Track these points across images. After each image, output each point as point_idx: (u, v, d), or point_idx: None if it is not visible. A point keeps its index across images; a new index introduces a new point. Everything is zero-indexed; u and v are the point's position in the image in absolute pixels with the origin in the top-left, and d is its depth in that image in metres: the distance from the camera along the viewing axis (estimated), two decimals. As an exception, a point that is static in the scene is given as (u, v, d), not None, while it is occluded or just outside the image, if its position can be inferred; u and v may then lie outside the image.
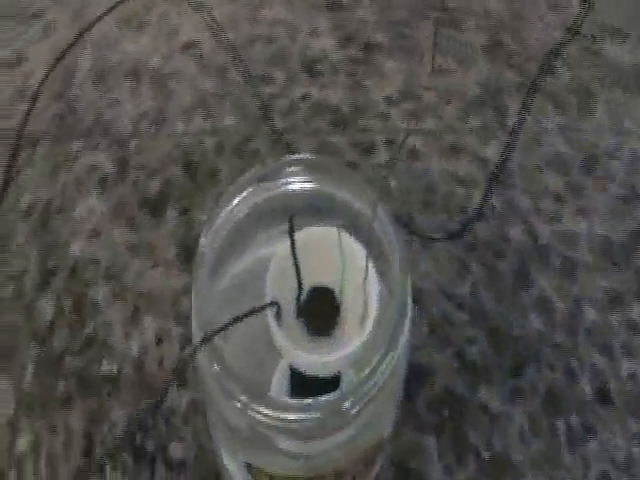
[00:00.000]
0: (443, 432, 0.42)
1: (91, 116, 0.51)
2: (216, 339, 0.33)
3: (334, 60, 0.53)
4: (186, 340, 0.44)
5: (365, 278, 0.30)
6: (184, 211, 0.48)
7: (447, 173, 0.51)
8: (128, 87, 0.52)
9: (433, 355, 0.44)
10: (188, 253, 0.47)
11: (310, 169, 0.33)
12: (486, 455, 0.42)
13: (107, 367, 0.44)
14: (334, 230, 0.31)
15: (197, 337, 0.31)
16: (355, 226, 0.32)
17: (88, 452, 0.43)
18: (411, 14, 0.56)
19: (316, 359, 0.30)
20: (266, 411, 0.29)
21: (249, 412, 0.29)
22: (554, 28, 0.56)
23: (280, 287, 0.30)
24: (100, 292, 0.46)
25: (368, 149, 0.50)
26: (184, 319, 0.45)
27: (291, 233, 0.30)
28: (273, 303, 0.30)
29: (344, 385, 0.31)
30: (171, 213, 0.48)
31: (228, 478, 0.37)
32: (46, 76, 0.50)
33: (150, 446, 0.42)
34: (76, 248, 0.48)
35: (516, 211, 0.50)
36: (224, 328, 0.29)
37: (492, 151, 0.52)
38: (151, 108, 0.52)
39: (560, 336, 0.47)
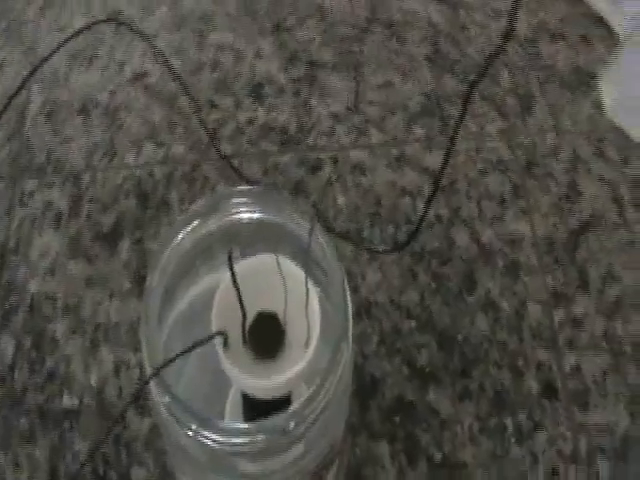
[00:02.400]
0: (395, 439, 0.45)
1: (44, 153, 0.53)
2: (169, 371, 0.35)
3: (280, 81, 0.55)
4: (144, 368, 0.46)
5: (306, 300, 0.32)
6: (137, 241, 0.50)
7: (392, 185, 0.53)
8: (79, 122, 0.54)
9: (383, 365, 0.47)
10: (142, 283, 0.48)
11: (253, 199, 0.35)
12: (437, 457, 0.45)
13: (68, 400, 0.46)
14: (273, 257, 0.33)
15: (148, 370, 0.33)
16: (299, 251, 0.34)
17: None
18: (354, 30, 0.58)
19: (264, 383, 0.32)
20: (215, 437, 0.31)
21: (200, 439, 0.31)
22: (496, 35, 0.58)
23: (226, 316, 0.32)
24: (59, 327, 0.48)
25: (315, 167, 0.52)
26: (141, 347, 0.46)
27: (231, 266, 0.32)
28: (219, 333, 0.32)
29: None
30: (124, 244, 0.50)
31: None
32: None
33: (112, 475, 0.44)
34: (33, 286, 0.49)
35: (460, 217, 0.52)
36: (171, 361, 0.31)
37: (436, 160, 0.54)
38: (102, 141, 0.53)
39: (505, 335, 0.49)
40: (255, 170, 0.52)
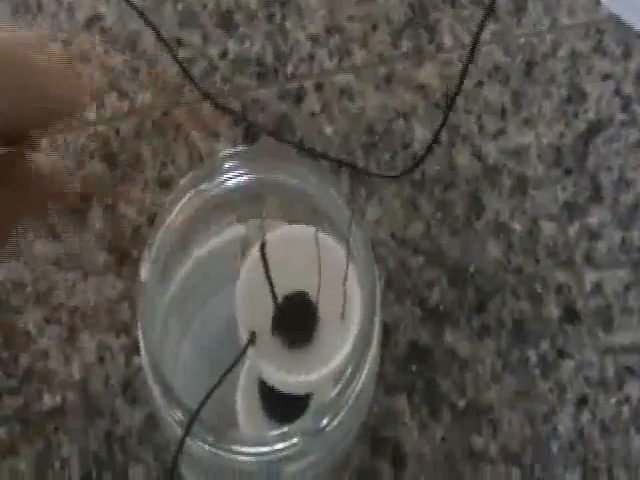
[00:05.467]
0: (414, 390, 0.42)
1: None
2: (167, 361, 0.32)
3: (250, 7, 0.50)
4: (130, 350, 0.42)
5: (345, 273, 0.28)
6: (109, 208, 0.45)
7: (384, 108, 0.49)
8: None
9: (393, 309, 0.44)
10: (119, 255, 0.44)
11: (246, 161, 0.32)
12: (461, 403, 0.42)
13: (49, 400, 0.42)
14: (293, 227, 0.29)
15: (148, 369, 0.30)
16: (313, 213, 0.31)
17: None
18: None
19: (297, 380, 0.28)
20: (242, 449, 0.28)
21: (221, 453, 0.28)
22: None
23: (250, 305, 0.29)
24: (30, 318, 0.43)
25: (298, 98, 0.48)
26: (124, 329, 0.43)
27: (263, 251, 0.28)
28: (251, 335, 0.29)
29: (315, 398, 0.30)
30: (94, 214, 0.45)
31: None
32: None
33: (108, 478, 0.40)
34: (-1, 275, 0.45)
35: (460, 135, 0.48)
36: (205, 401, 0.28)
37: (427, 74, 0.50)
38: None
39: (520, 259, 0.46)
40: (233, 108, 0.48)
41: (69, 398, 0.42)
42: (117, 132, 0.46)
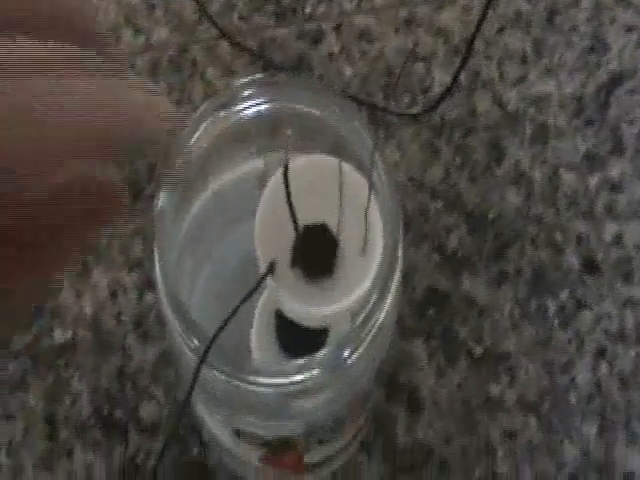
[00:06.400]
0: (431, 335, 0.41)
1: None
2: (182, 295, 0.31)
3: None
4: (143, 286, 0.41)
5: (367, 204, 0.27)
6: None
7: (403, 51, 0.47)
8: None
9: (410, 254, 0.43)
10: (133, 191, 0.43)
11: (266, 88, 0.30)
12: (478, 351, 0.41)
13: (60, 335, 0.41)
14: (324, 159, 0.28)
15: (163, 297, 0.28)
16: (336, 146, 0.30)
17: (52, 435, 0.40)
18: None
19: (317, 312, 0.27)
20: (260, 379, 0.27)
21: (239, 383, 0.27)
22: None
23: (269, 234, 0.28)
24: None
25: (316, 39, 0.47)
26: (137, 265, 0.42)
27: (286, 180, 0.27)
28: (270, 265, 0.27)
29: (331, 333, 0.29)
30: None
31: (210, 436, 0.35)
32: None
33: (119, 414, 0.40)
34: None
35: (480, 80, 0.47)
36: (218, 333, 0.27)
37: (447, 18, 0.48)
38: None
39: (540, 208, 0.45)
40: (250, 47, 0.46)
41: (80, 334, 0.41)
42: (132, 67, 0.45)
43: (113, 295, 0.41)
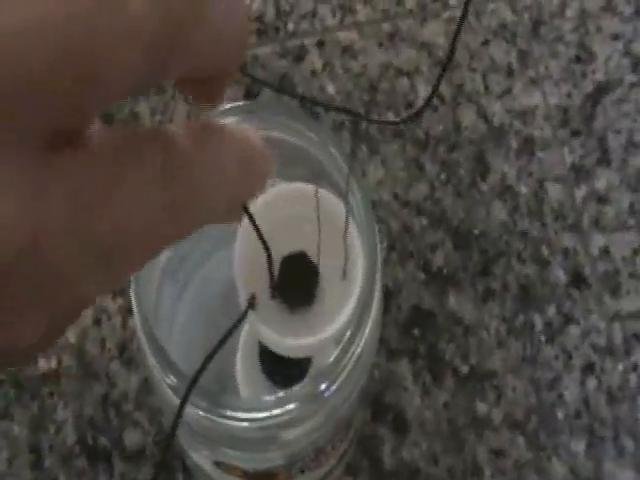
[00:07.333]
0: (417, 355, 0.41)
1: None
2: (161, 331, 0.31)
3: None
4: (126, 313, 0.41)
5: (345, 228, 0.26)
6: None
7: (387, 66, 0.47)
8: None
9: (396, 272, 0.42)
10: None
11: (245, 115, 0.30)
12: (464, 369, 0.41)
13: (44, 364, 0.41)
14: (301, 187, 0.28)
15: (141, 333, 0.28)
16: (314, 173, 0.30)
17: (37, 464, 0.40)
18: None
19: (298, 342, 0.27)
20: (238, 414, 0.27)
21: (218, 420, 0.27)
22: None
23: (249, 266, 0.27)
24: None
25: (299, 56, 0.47)
26: (120, 291, 0.41)
27: (251, 218, 0.27)
28: (250, 298, 0.27)
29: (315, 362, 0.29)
30: None
31: (193, 464, 0.35)
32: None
33: (103, 442, 0.39)
34: None
35: (465, 94, 0.47)
36: (203, 368, 0.26)
37: (431, 32, 0.48)
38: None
39: (526, 223, 0.45)
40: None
41: (64, 362, 0.41)
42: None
43: (97, 322, 0.41)
